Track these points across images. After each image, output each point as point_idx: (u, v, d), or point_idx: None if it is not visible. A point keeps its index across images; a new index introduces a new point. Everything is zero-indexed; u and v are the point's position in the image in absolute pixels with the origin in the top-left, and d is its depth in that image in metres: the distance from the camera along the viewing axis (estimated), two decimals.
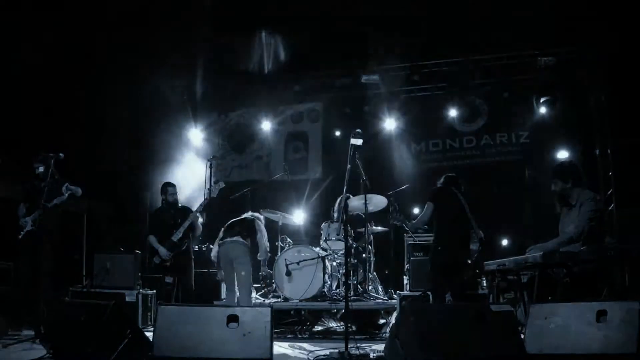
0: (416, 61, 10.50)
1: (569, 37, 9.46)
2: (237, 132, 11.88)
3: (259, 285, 8.74)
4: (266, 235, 7.67)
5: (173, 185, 8.20)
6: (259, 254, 7.59)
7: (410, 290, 7.97)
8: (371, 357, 5.23)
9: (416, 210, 8.30)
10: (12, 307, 7.04)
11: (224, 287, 8.82)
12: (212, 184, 7.68)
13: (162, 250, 7.67)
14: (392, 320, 7.57)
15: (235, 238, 7.34)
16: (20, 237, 7.19)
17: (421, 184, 9.64)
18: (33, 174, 7.20)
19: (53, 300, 6.70)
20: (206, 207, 7.77)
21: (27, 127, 8.97)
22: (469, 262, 6.77)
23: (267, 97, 11.36)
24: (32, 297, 6.97)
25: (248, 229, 7.52)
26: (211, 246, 8.97)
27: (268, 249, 7.69)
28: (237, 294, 7.30)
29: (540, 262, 5.23)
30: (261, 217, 7.94)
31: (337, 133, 10.98)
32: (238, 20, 8.88)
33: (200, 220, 8.14)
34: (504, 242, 8.62)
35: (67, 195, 7.12)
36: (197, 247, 8.91)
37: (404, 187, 8.41)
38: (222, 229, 7.58)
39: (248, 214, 7.81)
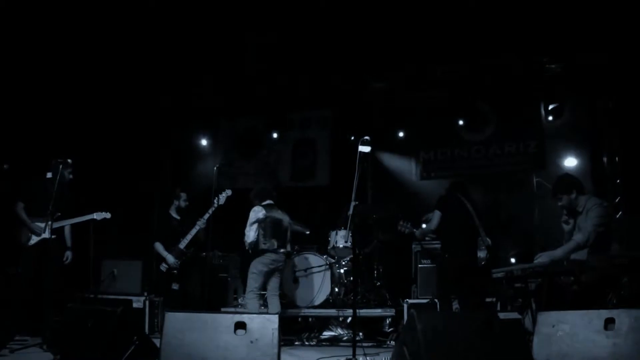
0: (425, 68, 10.47)
1: (576, 44, 9.41)
2: (245, 138, 11.87)
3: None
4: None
5: (185, 191, 8.21)
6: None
7: (417, 298, 7.97)
8: None
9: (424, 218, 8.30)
10: (20, 312, 7.04)
11: (230, 293, 8.84)
12: (220, 193, 7.67)
13: (170, 258, 7.67)
14: (400, 327, 7.55)
15: (288, 249, 7.33)
16: (30, 244, 7.01)
17: (429, 192, 9.61)
18: (43, 178, 7.16)
19: (60, 306, 6.70)
20: (212, 216, 7.74)
21: (35, 133, 9.01)
22: (477, 269, 6.76)
23: (275, 103, 11.36)
24: (39, 303, 6.98)
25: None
26: (218, 253, 8.98)
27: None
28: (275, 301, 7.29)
29: (548, 270, 5.22)
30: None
31: (346, 140, 10.94)
32: (246, 24, 8.88)
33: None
34: (512, 249, 8.58)
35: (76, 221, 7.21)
36: (204, 253, 8.90)
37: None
38: (271, 233, 7.25)
39: (285, 217, 7.64)
